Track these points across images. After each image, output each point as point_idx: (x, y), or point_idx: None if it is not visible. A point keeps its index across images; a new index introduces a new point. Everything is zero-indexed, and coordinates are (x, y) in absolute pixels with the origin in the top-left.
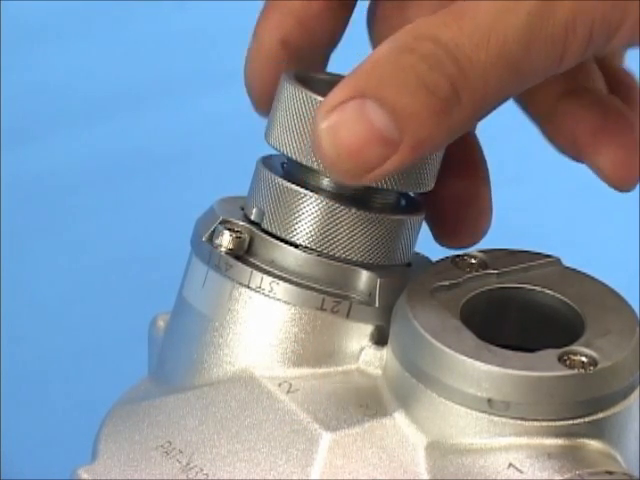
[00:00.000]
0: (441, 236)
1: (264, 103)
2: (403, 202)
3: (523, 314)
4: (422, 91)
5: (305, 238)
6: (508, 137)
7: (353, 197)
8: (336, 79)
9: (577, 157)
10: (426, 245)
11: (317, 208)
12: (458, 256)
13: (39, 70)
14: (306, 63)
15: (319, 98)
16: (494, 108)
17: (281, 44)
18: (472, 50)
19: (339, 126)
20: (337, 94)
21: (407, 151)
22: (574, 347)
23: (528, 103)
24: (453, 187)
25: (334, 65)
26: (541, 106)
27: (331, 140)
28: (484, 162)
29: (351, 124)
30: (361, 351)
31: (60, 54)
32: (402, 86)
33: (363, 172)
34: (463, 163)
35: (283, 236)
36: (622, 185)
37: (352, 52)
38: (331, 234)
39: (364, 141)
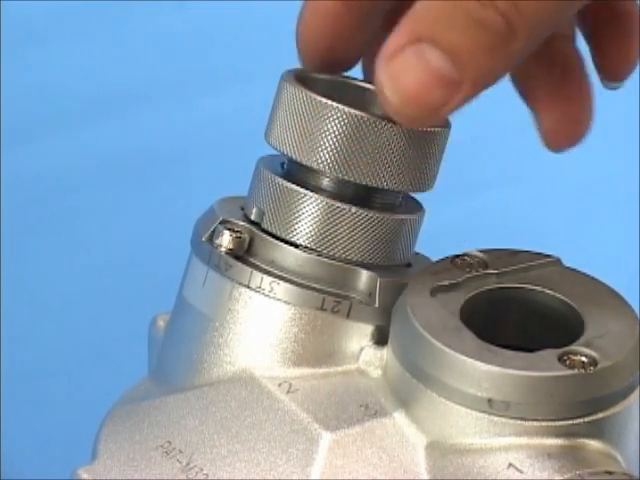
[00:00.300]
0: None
1: (316, 59)
2: (403, 202)
3: (523, 314)
4: (476, 28)
5: (305, 238)
6: (508, 137)
7: (353, 197)
8: (335, 79)
9: (525, 100)
10: (426, 245)
11: (317, 208)
12: (458, 256)
13: (39, 70)
14: (364, 24)
15: (319, 98)
16: (550, 32)
17: (344, 4)
18: None
19: (399, 73)
20: (394, 41)
21: (469, 88)
22: (574, 347)
23: None
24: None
25: None
26: None
27: (393, 87)
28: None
29: (411, 69)
30: (361, 351)
31: (60, 54)
32: (455, 25)
33: (429, 114)
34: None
35: (283, 236)
36: (555, 148)
37: None
38: (331, 234)
39: (426, 84)
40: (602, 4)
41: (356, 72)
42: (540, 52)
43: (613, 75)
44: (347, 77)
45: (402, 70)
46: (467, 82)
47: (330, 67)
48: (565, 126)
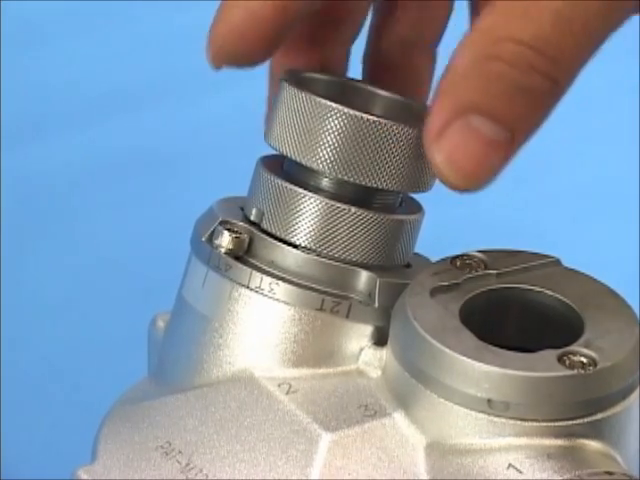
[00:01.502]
0: None
1: (226, 59)
2: (403, 202)
3: (523, 314)
4: (520, 94)
5: (305, 238)
6: None
7: (353, 197)
8: (335, 80)
9: None
10: (426, 246)
11: (317, 208)
12: (458, 256)
13: (39, 70)
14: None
15: (319, 98)
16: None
17: (274, 7)
18: (558, 39)
19: (454, 152)
20: (437, 118)
21: (520, 141)
22: (574, 347)
23: None
24: None
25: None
26: None
27: (451, 167)
28: None
29: (465, 145)
30: (361, 351)
31: (60, 54)
32: (499, 95)
33: (491, 177)
34: None
35: (283, 236)
36: None
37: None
38: (331, 234)
39: (482, 154)
40: None
41: (356, 73)
42: None
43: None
44: (347, 78)
45: (455, 147)
46: (518, 137)
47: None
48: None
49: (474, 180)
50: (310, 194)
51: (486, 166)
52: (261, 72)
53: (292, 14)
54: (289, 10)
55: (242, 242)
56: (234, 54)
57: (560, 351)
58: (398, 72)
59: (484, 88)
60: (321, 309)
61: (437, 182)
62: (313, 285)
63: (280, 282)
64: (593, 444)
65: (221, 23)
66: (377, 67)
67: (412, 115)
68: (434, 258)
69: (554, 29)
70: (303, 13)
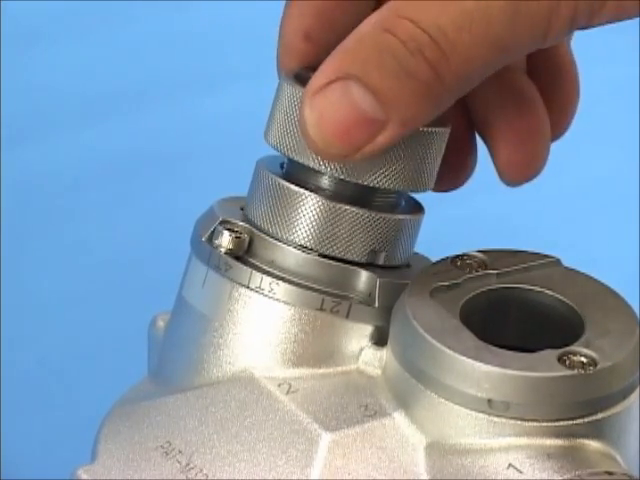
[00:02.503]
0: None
1: (295, 58)
2: (403, 202)
3: (523, 314)
4: (403, 75)
5: (305, 238)
6: None
7: (353, 197)
8: None
9: (482, 136)
10: (426, 245)
11: (317, 208)
12: (458, 256)
13: (39, 70)
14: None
15: None
16: (479, 82)
17: (304, 39)
18: (455, 32)
19: (324, 109)
20: (320, 76)
21: (394, 129)
22: (574, 347)
23: None
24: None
25: None
26: None
27: (317, 124)
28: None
29: (336, 106)
30: (361, 351)
31: (60, 54)
32: (383, 69)
33: (351, 152)
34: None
35: (283, 236)
36: (510, 182)
37: None
38: (331, 234)
39: (350, 122)
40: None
41: None
42: (493, 84)
43: (556, 132)
44: None
45: (326, 106)
46: (393, 123)
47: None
48: (520, 160)
49: (335, 143)
50: (310, 194)
51: (351, 135)
52: (260, 72)
53: (322, 41)
54: (319, 39)
55: (242, 242)
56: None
57: (560, 351)
58: None
59: (371, 57)
60: (321, 309)
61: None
62: (313, 285)
63: (280, 282)
64: (593, 444)
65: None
66: None
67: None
68: (434, 258)
69: (454, 24)
70: (335, 39)
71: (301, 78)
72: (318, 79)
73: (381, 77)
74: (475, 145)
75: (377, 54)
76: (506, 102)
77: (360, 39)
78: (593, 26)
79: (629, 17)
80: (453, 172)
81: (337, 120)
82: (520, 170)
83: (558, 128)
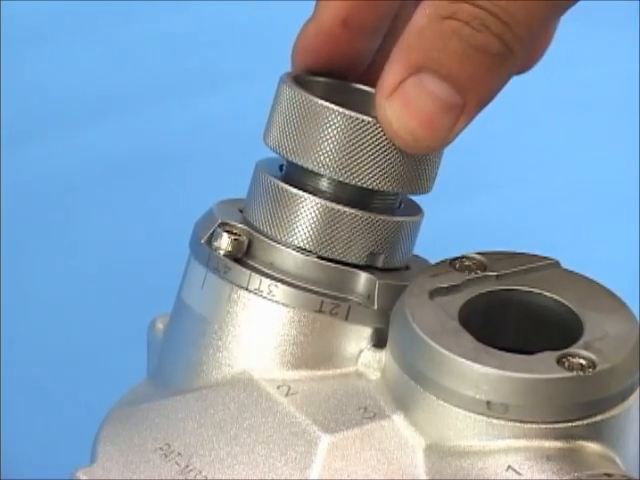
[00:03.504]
0: None
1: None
2: (402, 204)
3: (522, 316)
4: (473, 53)
5: (304, 240)
6: (508, 138)
7: (352, 199)
8: (334, 82)
9: None
10: (425, 247)
11: (316, 210)
12: (457, 258)
13: (39, 70)
14: (367, 41)
15: (318, 100)
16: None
17: (342, 24)
18: (511, 4)
19: (404, 107)
20: (390, 75)
21: (472, 108)
22: (573, 349)
23: None
24: None
25: None
26: None
27: (400, 123)
28: None
29: (416, 102)
30: (360, 353)
31: (60, 54)
32: (453, 53)
33: (439, 141)
34: None
35: (282, 238)
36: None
37: None
38: (330, 236)
39: (433, 114)
40: None
41: None
42: None
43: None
44: (346, 79)
45: (405, 104)
46: (470, 103)
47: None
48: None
49: (423, 139)
50: (309, 196)
51: (436, 126)
52: (260, 72)
53: (361, 28)
54: (358, 26)
55: (241, 244)
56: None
57: (559, 353)
58: None
59: (438, 46)
60: (320, 311)
61: (437, 184)
62: (312, 287)
63: (279, 284)
64: (592, 446)
65: (298, 45)
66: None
67: None
68: (433, 260)
69: None
70: (374, 26)
71: (300, 81)
72: (389, 79)
73: (453, 62)
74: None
75: (443, 42)
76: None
77: (421, 32)
78: None
79: None
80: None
81: (420, 114)
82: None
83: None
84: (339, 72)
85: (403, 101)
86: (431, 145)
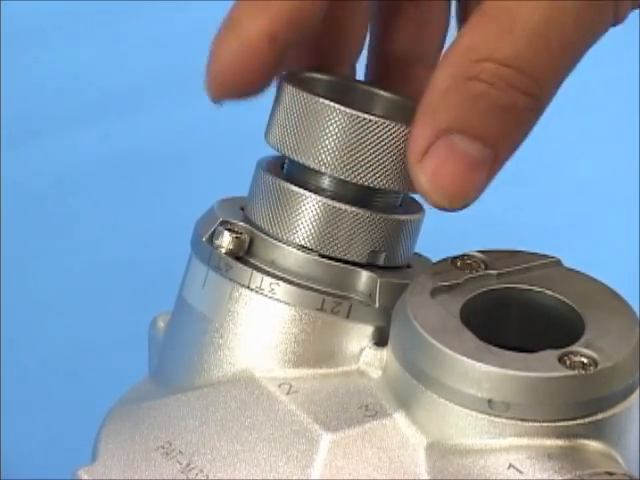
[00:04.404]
0: None
1: (228, 94)
2: (403, 203)
3: (523, 315)
4: (502, 113)
5: (305, 239)
6: None
7: (353, 197)
8: (335, 80)
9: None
10: (426, 246)
11: (317, 209)
12: (458, 257)
13: (39, 70)
14: (295, 63)
15: (319, 99)
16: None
17: (270, 40)
18: (535, 56)
19: (438, 173)
20: (420, 137)
21: (504, 157)
22: (574, 348)
23: None
24: None
25: None
26: None
27: (438, 189)
28: None
29: (448, 166)
30: (361, 352)
31: (60, 54)
32: (482, 114)
33: (474, 196)
34: None
35: (283, 237)
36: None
37: None
38: (331, 234)
39: (467, 174)
40: None
41: (357, 73)
42: None
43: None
44: (347, 78)
45: (439, 167)
46: (501, 154)
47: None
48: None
49: (459, 199)
50: (310, 194)
51: (470, 185)
52: None
53: (288, 42)
54: (285, 40)
55: (242, 242)
56: (234, 90)
57: (561, 351)
58: (401, 86)
59: (465, 108)
60: (322, 309)
61: None
62: (313, 285)
63: (280, 282)
64: (594, 444)
65: (217, 60)
66: (379, 79)
67: (412, 115)
68: (434, 258)
69: (530, 47)
70: (299, 39)
71: (301, 79)
72: (419, 143)
73: (482, 121)
74: None
75: (469, 103)
76: None
77: (444, 94)
78: None
79: None
80: None
81: (454, 176)
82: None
83: None
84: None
85: (436, 164)
86: (467, 202)
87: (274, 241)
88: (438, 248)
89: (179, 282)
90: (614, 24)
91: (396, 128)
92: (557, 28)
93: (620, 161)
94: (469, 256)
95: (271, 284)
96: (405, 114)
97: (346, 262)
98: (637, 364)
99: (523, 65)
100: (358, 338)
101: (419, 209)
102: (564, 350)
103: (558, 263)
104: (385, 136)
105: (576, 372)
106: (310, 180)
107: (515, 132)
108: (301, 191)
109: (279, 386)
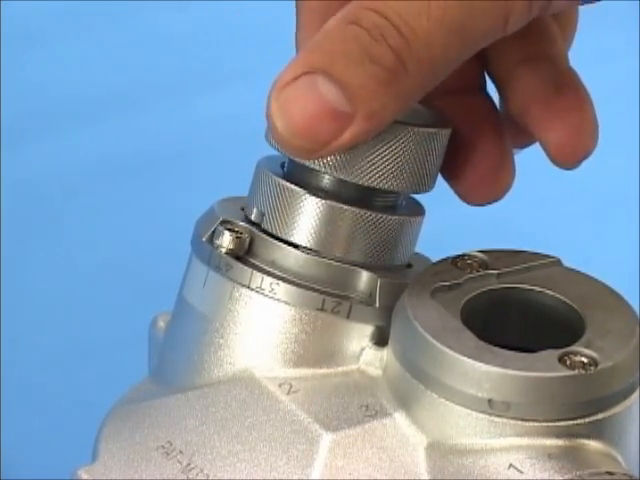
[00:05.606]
0: (464, 193)
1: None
2: (403, 203)
3: (523, 314)
4: (367, 63)
5: (305, 238)
6: None
7: (353, 197)
8: None
9: (526, 128)
10: (426, 246)
11: (317, 208)
12: (458, 256)
13: (38, 70)
14: None
15: None
16: (446, 74)
17: None
18: (414, 18)
19: (290, 103)
20: (288, 71)
21: (361, 123)
22: (574, 347)
23: (489, 66)
24: (470, 145)
25: None
26: (500, 70)
27: (282, 117)
28: (497, 117)
29: (302, 100)
30: (361, 351)
31: (60, 55)
32: (348, 59)
33: (318, 147)
34: (475, 121)
35: (283, 236)
36: (564, 163)
37: None
38: (331, 234)
39: (316, 116)
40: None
41: None
42: (530, 73)
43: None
44: None
45: (293, 100)
46: (359, 117)
47: None
48: (570, 140)
49: (302, 137)
50: (311, 194)
51: (318, 129)
52: (260, 72)
53: None
54: None
55: (243, 242)
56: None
57: (561, 351)
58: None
59: (337, 50)
60: (322, 309)
61: (438, 183)
62: (314, 285)
63: (281, 282)
64: (594, 444)
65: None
66: None
67: (413, 116)
68: (435, 258)
69: (413, 10)
70: None
71: None
72: (285, 74)
73: (346, 67)
74: (510, 153)
75: (342, 45)
76: (559, 96)
77: (326, 34)
78: (556, 7)
79: (585, 2)
80: (488, 184)
81: (304, 113)
82: (572, 151)
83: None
84: None
85: (291, 97)
86: (307, 149)
87: (274, 241)
88: (438, 248)
89: (179, 282)
90: (504, 28)
91: (396, 128)
92: (443, 3)
93: (620, 161)
94: (469, 256)
95: (271, 284)
96: (406, 114)
97: (346, 262)
98: (637, 364)
99: (401, 24)
100: (358, 338)
101: (419, 209)
102: (564, 350)
103: (558, 263)
104: (385, 136)
105: (576, 372)
106: (310, 180)
107: (376, 92)
108: (301, 191)
109: (279, 386)
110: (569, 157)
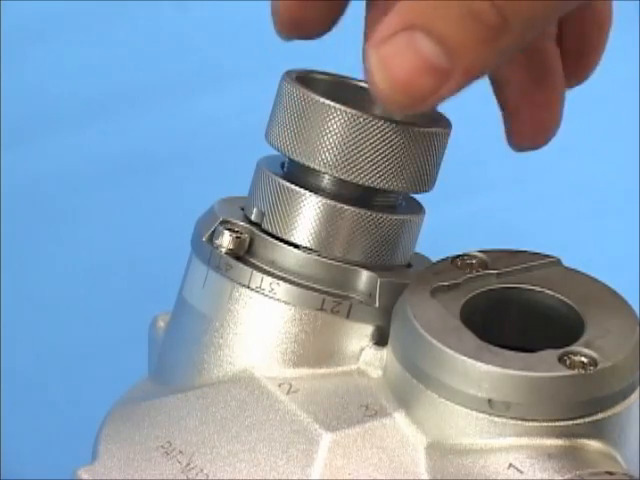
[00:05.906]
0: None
1: (288, 24)
2: (403, 202)
3: (523, 314)
4: (469, 19)
5: (305, 238)
6: None
7: (353, 197)
8: (336, 80)
9: (497, 99)
10: (426, 245)
11: (317, 208)
12: (458, 256)
13: (38, 70)
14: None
15: (319, 98)
16: (543, 29)
17: None
18: None
19: (389, 58)
20: (386, 26)
21: (459, 77)
22: (574, 347)
23: None
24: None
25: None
26: None
27: (383, 72)
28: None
29: (401, 55)
30: (361, 351)
31: (59, 54)
32: (450, 16)
33: (417, 102)
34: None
35: (283, 236)
36: (515, 148)
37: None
38: (331, 234)
39: (415, 71)
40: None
41: (356, 72)
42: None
43: (575, 75)
44: (348, 77)
45: (392, 56)
46: (457, 72)
47: (302, 33)
48: (531, 130)
49: (402, 92)
50: (310, 194)
51: (418, 84)
52: (260, 72)
53: None
54: None
55: (243, 242)
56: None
57: (561, 351)
58: None
59: (438, 7)
60: (322, 309)
61: (438, 182)
62: (314, 285)
63: (281, 282)
64: (594, 444)
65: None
66: None
67: (413, 115)
68: (434, 258)
69: None
70: None
71: (302, 79)
72: (383, 30)
73: (446, 24)
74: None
75: (443, 2)
76: (529, 71)
77: None
78: None
79: None
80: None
81: (403, 69)
82: (529, 140)
83: (577, 77)
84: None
85: (391, 52)
86: (407, 104)
87: (274, 241)
88: (438, 248)
89: (179, 282)
90: None
91: (396, 128)
92: None
93: (620, 161)
94: (469, 256)
95: (271, 284)
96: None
97: (346, 262)
98: (637, 364)
99: None
100: (358, 338)
101: (419, 209)
102: (564, 350)
103: (558, 263)
104: (385, 136)
105: (576, 372)
106: (310, 180)
107: (476, 48)
108: (301, 191)
109: (279, 386)
110: (524, 145)
